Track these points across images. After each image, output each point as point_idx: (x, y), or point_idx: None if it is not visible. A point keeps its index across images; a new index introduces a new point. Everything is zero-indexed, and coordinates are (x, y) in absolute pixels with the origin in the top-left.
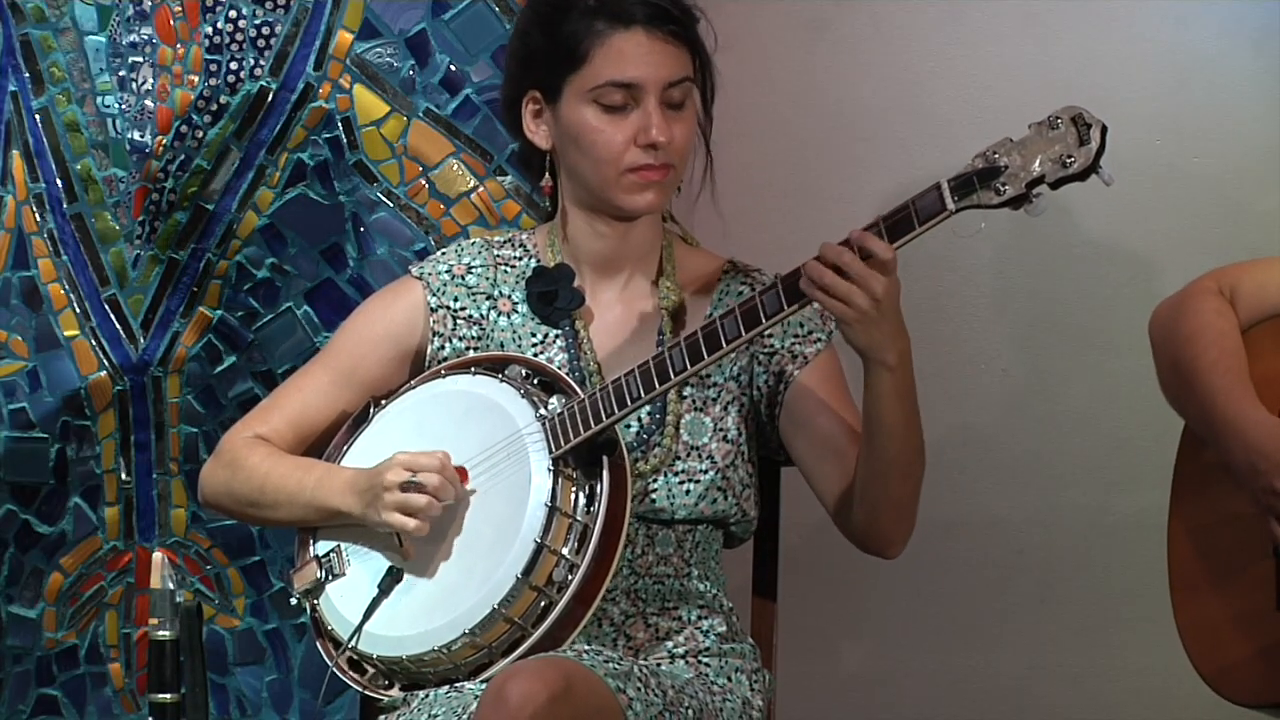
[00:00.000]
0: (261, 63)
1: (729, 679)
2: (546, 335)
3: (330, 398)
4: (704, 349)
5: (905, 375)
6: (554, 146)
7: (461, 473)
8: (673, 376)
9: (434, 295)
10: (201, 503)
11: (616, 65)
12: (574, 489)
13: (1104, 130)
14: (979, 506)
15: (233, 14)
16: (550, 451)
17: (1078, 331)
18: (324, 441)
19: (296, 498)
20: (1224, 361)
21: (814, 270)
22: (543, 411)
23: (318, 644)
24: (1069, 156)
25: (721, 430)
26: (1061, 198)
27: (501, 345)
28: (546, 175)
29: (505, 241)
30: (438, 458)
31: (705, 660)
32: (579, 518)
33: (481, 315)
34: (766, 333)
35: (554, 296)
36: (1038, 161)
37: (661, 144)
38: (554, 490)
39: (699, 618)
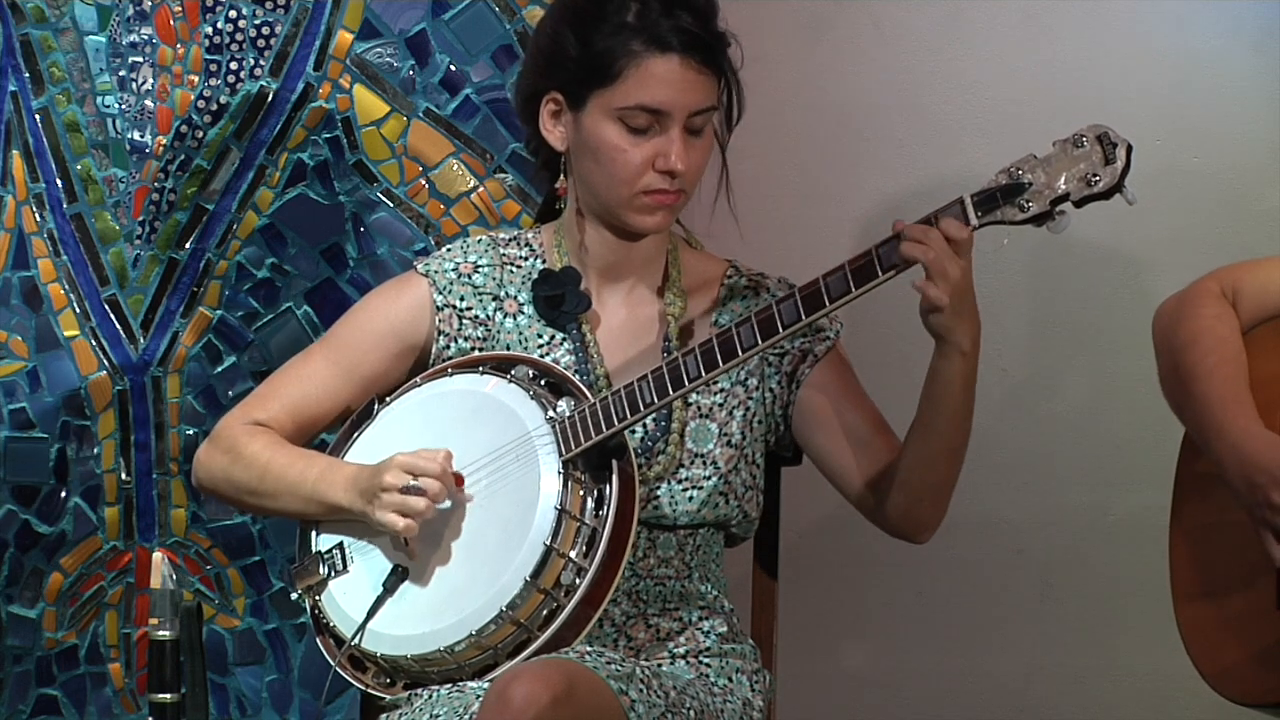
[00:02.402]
0: (261, 63)
1: (729, 679)
2: (553, 337)
3: (330, 390)
4: (719, 357)
5: (975, 360)
6: (568, 149)
7: (458, 479)
8: (687, 383)
9: (440, 294)
10: (195, 486)
11: (649, 90)
12: (583, 492)
13: (1129, 149)
14: (979, 506)
15: (233, 14)
16: (560, 454)
17: (1078, 331)
18: (322, 433)
19: (297, 489)
20: (1222, 369)
21: (919, 252)
22: (552, 414)
23: (318, 641)
24: (1094, 175)
25: (726, 435)
26: None
27: (507, 347)
28: (561, 177)
29: (511, 240)
30: (438, 461)
31: (706, 661)
32: (588, 521)
33: (488, 316)
34: None
35: (560, 300)
36: (1062, 179)
37: (680, 172)
38: (563, 494)
39: (700, 618)
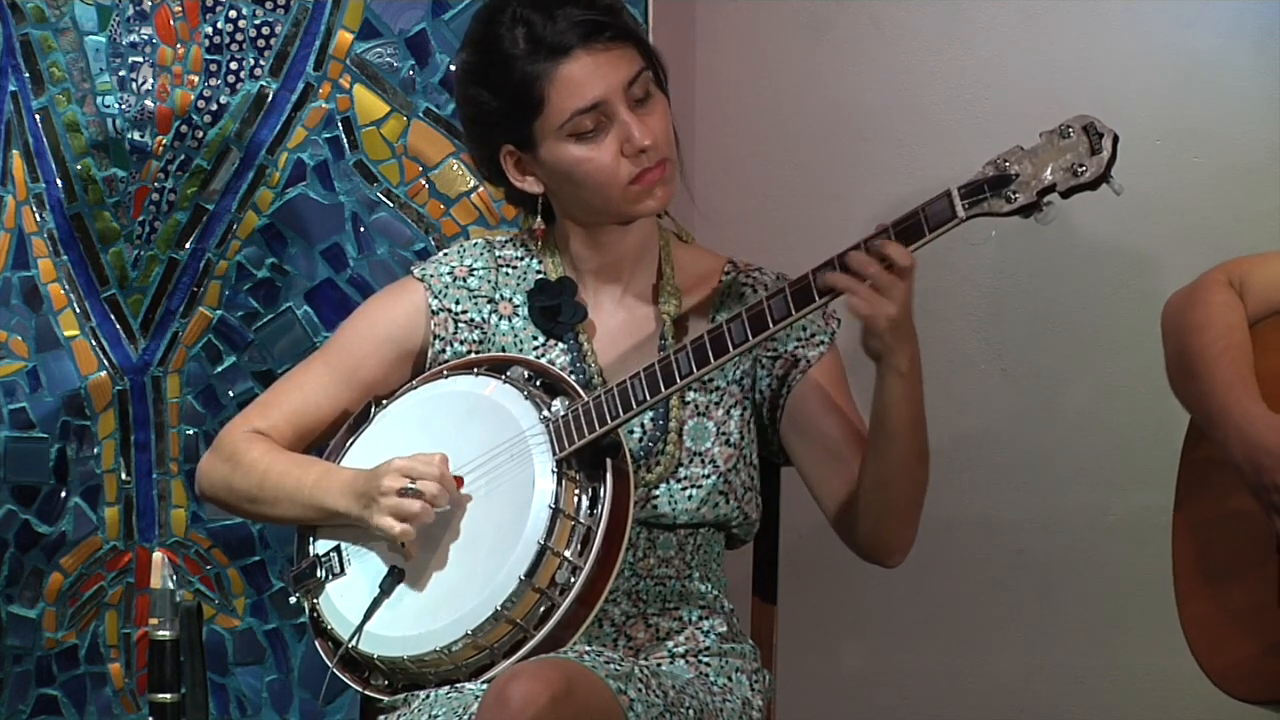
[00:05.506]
0: (261, 63)
1: (729, 679)
2: (548, 339)
3: (331, 397)
4: (710, 353)
5: (916, 379)
6: (546, 188)
7: (457, 480)
8: (678, 380)
9: (435, 298)
10: (198, 495)
11: (575, 95)
12: (577, 491)
13: (1115, 139)
14: (979, 506)
15: (233, 14)
16: (554, 453)
17: (1078, 331)
18: (322, 440)
19: (295, 496)
20: (1229, 355)
21: (847, 284)
22: (546, 413)
23: (316, 644)
24: (1081, 165)
25: (724, 434)
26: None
27: (503, 349)
28: (539, 218)
29: (507, 241)
30: (435, 465)
31: (705, 660)
32: (582, 520)
33: (483, 319)
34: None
35: (557, 310)
36: (1049, 170)
37: (649, 146)
38: (557, 492)
39: (700, 618)
